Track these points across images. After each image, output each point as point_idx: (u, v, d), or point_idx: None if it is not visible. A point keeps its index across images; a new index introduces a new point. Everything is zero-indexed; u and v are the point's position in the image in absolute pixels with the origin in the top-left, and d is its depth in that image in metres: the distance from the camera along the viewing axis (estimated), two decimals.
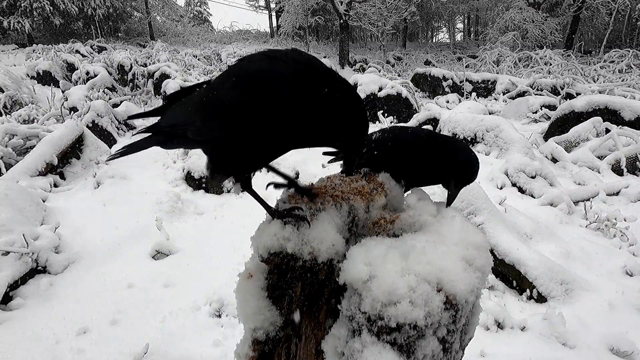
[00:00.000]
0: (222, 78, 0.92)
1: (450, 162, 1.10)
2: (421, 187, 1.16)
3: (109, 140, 7.69)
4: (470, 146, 6.45)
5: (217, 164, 0.96)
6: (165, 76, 11.73)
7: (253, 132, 0.87)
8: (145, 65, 13.36)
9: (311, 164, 5.71)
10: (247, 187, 0.98)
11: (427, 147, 1.12)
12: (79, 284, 3.75)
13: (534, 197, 5.45)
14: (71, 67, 13.62)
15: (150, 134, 1.03)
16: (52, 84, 11.71)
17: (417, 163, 1.12)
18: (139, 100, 11.51)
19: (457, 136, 7.21)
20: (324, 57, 20.05)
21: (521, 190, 5.62)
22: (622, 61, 16.15)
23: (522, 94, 11.90)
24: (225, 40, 28.41)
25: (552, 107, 10.16)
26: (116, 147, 7.29)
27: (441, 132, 7.40)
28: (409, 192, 1.12)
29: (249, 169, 0.97)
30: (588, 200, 5.26)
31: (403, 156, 1.13)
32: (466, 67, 17.60)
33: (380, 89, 10.37)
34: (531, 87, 12.15)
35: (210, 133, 0.91)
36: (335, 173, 1.25)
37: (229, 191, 5.54)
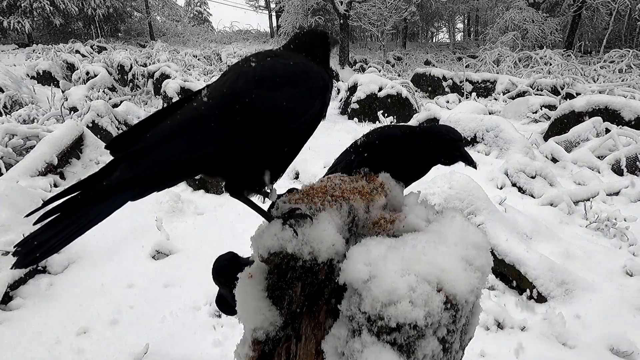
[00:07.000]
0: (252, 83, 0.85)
1: (438, 137, 1.13)
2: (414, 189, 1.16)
3: (109, 140, 7.68)
4: (469, 146, 6.30)
5: (248, 179, 0.89)
6: (165, 76, 11.74)
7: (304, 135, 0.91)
8: (145, 65, 13.38)
9: (311, 164, 5.72)
10: (239, 195, 0.91)
11: (412, 136, 1.15)
12: (79, 284, 3.75)
13: (534, 197, 5.44)
14: (71, 67, 13.64)
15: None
16: (52, 84, 11.71)
17: (406, 154, 1.14)
18: (139, 100, 11.52)
19: None
20: None
21: (521, 190, 5.62)
22: (622, 61, 16.13)
23: (522, 94, 11.89)
24: (225, 40, 28.41)
25: (552, 107, 10.15)
26: None
27: None
28: (407, 194, 1.11)
29: (277, 177, 0.93)
30: (588, 200, 5.26)
31: (392, 151, 1.15)
32: (466, 67, 17.58)
33: (380, 89, 10.37)
34: (531, 87, 12.14)
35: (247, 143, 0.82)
36: (335, 173, 1.25)
37: None
